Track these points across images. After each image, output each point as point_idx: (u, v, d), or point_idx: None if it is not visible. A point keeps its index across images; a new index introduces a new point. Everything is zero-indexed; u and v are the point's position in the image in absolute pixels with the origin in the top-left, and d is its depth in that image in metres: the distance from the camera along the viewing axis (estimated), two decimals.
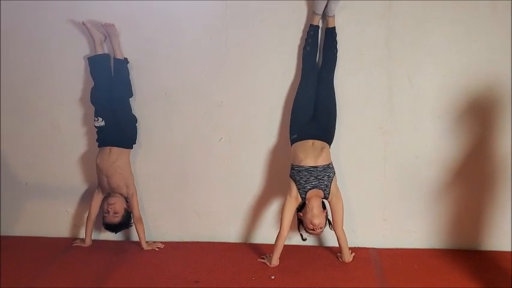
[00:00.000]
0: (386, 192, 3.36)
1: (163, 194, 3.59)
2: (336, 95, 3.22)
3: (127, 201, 3.45)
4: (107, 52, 3.43)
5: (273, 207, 3.50)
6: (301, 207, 3.15)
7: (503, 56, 3.11)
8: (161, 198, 3.59)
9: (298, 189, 3.08)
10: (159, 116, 3.48)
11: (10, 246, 3.57)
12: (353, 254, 3.26)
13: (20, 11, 3.47)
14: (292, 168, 3.13)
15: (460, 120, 3.21)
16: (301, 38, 3.25)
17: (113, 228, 3.43)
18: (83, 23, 3.32)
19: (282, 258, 3.18)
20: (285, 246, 3.17)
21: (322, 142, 3.15)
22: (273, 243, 3.17)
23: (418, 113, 3.25)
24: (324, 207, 3.15)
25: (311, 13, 3.17)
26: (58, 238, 3.68)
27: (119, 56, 3.38)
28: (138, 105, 3.47)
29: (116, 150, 3.39)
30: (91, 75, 3.43)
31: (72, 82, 3.52)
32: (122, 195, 3.43)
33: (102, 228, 3.49)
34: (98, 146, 3.44)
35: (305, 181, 3.06)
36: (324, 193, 3.08)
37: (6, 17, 3.49)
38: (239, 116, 3.42)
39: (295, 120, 3.24)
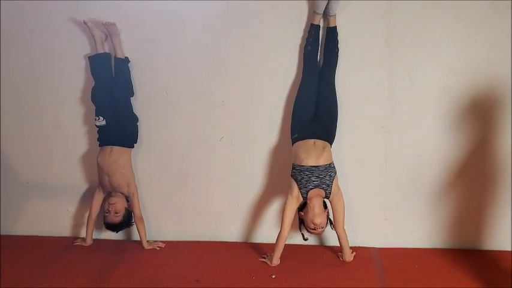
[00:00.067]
0: (387, 192, 3.36)
1: (164, 193, 3.59)
2: (337, 94, 3.22)
3: (128, 201, 3.45)
4: (107, 51, 3.43)
5: (274, 207, 3.50)
6: (303, 207, 3.15)
7: (504, 55, 3.11)
8: (162, 197, 3.59)
9: (300, 188, 3.08)
10: (160, 115, 3.48)
11: (11, 245, 3.57)
12: (354, 253, 3.26)
13: (20, 10, 3.47)
14: (294, 167, 3.13)
15: (461, 120, 3.21)
16: (302, 38, 3.25)
17: (113, 227, 3.43)
18: (84, 22, 3.32)
19: (282, 257, 3.18)
20: (285, 245, 3.16)
21: (324, 141, 3.15)
22: (274, 242, 3.17)
23: (419, 112, 3.25)
24: (325, 206, 3.15)
25: (312, 12, 3.17)
26: (59, 237, 3.68)
27: (119, 55, 3.38)
28: (139, 105, 3.47)
29: (117, 149, 3.38)
30: (92, 74, 3.43)
31: (73, 81, 3.52)
32: (122, 194, 3.43)
33: (103, 227, 3.48)
34: (99, 145, 3.44)
35: (306, 181, 3.06)
36: (325, 192, 3.08)
37: (6, 16, 3.49)
38: (240, 116, 3.42)
39: (296, 119, 3.23)
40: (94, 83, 3.42)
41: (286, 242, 3.17)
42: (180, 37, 3.38)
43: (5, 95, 3.60)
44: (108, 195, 3.46)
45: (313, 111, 3.23)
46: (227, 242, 3.56)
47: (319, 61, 3.26)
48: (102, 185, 3.45)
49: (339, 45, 3.19)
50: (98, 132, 3.43)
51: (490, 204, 3.27)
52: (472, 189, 3.28)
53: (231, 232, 3.58)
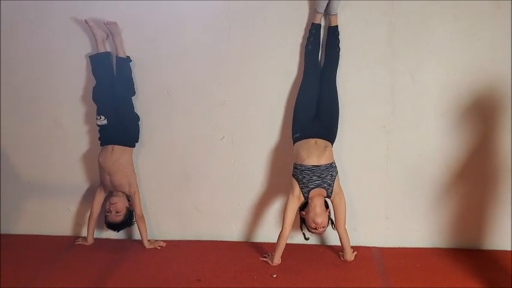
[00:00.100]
0: (389, 191, 3.36)
1: (165, 192, 3.59)
2: (338, 94, 3.21)
3: (129, 200, 3.45)
4: (109, 50, 3.43)
5: (275, 206, 3.50)
6: (304, 206, 3.14)
7: (506, 53, 3.10)
8: (163, 196, 3.59)
9: (301, 188, 3.07)
10: (161, 114, 3.48)
11: (12, 244, 3.57)
12: (355, 252, 3.25)
13: (21, 9, 3.47)
14: (295, 167, 3.12)
15: (462, 118, 3.21)
16: (303, 37, 3.24)
17: (115, 227, 3.43)
18: (85, 21, 3.32)
19: (284, 257, 3.18)
20: (286, 245, 3.16)
21: (325, 141, 3.14)
22: (275, 242, 3.17)
23: (420, 111, 3.25)
24: (327, 206, 3.14)
25: (313, 12, 3.16)
26: (60, 236, 3.68)
27: (121, 55, 3.38)
28: (140, 104, 3.47)
29: (118, 148, 3.38)
30: (93, 73, 3.42)
31: (74, 80, 3.52)
32: (124, 193, 3.43)
33: (104, 226, 3.48)
34: (100, 145, 3.43)
35: (308, 180, 3.06)
36: (327, 192, 3.08)
37: (7, 15, 3.48)
38: (241, 115, 3.41)
39: (298, 118, 3.23)
40: (95, 82, 3.42)
41: (287, 242, 3.17)
42: (181, 37, 3.38)
43: (5, 94, 3.60)
44: (110, 194, 3.46)
45: (314, 110, 3.22)
46: (228, 241, 3.55)
47: (320, 60, 3.26)
48: (103, 184, 3.45)
49: (340, 45, 3.18)
50: (99, 131, 3.43)
51: (491, 204, 3.26)
52: (473, 189, 3.27)
53: (232, 231, 3.57)
